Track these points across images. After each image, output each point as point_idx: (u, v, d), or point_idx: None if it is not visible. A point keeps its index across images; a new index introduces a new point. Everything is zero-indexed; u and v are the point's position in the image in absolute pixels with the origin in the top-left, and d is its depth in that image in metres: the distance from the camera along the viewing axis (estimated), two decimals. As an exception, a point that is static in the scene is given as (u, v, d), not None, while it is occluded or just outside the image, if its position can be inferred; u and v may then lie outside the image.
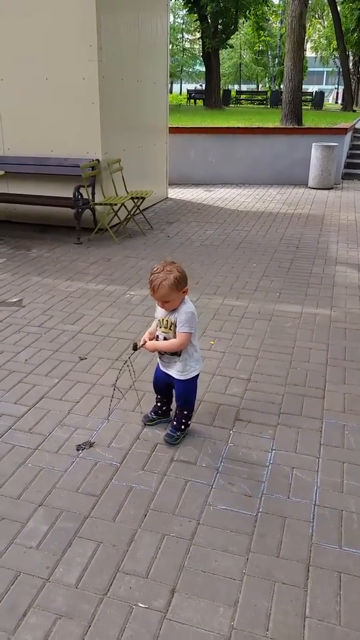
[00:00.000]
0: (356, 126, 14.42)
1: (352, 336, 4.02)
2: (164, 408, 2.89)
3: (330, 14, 29.33)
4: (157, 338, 2.64)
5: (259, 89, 46.61)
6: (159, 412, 2.89)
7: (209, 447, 2.68)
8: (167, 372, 2.69)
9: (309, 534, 2.15)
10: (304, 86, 24.00)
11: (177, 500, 2.32)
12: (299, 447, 2.70)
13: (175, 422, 2.75)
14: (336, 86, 45.41)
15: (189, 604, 1.86)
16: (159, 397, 2.87)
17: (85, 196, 6.47)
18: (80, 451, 2.64)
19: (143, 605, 1.85)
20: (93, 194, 6.61)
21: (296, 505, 2.30)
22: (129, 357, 3.22)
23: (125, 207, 6.93)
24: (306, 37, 41.73)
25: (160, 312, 2.61)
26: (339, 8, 29.49)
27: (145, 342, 2.64)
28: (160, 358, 2.70)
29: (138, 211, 7.14)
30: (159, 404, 2.88)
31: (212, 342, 3.87)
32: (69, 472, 2.49)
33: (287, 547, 2.09)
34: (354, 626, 1.78)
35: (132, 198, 6.92)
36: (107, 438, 2.75)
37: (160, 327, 2.61)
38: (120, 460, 2.58)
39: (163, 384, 2.78)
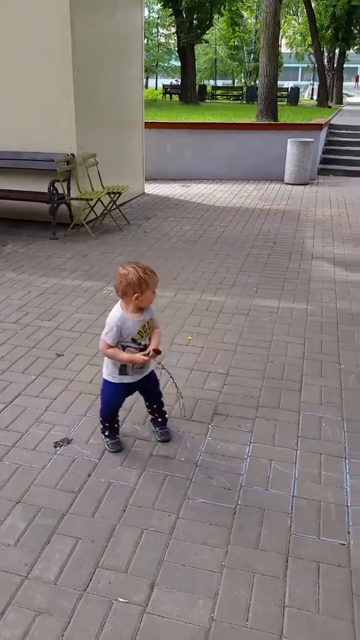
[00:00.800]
0: (331, 122, 14.57)
1: (328, 330, 4.07)
2: (155, 415, 2.74)
3: (304, 10, 29.48)
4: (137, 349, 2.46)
5: (235, 85, 46.64)
6: (158, 420, 2.74)
7: (188, 442, 2.69)
8: (141, 376, 2.55)
9: (287, 525, 2.18)
10: (279, 82, 24.13)
11: (156, 494, 2.32)
12: (276, 440, 2.73)
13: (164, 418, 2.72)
14: (311, 82, 45.71)
15: (168, 597, 1.86)
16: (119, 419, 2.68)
17: (60, 191, 6.40)
18: (58, 448, 2.62)
19: (123, 600, 1.84)
20: (68, 188, 6.55)
21: (275, 497, 2.32)
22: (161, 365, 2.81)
23: (101, 202, 6.88)
24: (281, 33, 41.94)
25: (134, 324, 2.41)
26: (313, 5, 29.67)
27: (152, 349, 2.43)
28: (135, 367, 2.50)
29: (115, 206, 7.10)
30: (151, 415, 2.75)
31: (190, 338, 3.88)
32: (47, 469, 2.47)
33: (266, 538, 2.11)
34: (332, 614, 1.81)
35: (109, 193, 6.88)
36: (85, 434, 2.73)
37: (143, 335, 2.45)
38: (98, 456, 2.57)
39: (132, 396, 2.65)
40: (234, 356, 3.63)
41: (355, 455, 2.61)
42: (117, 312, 2.41)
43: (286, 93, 30.80)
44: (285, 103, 28.91)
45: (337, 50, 36.01)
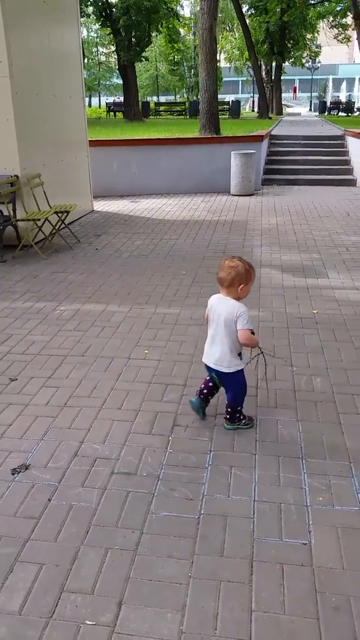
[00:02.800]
0: (272, 133, 15.00)
1: (279, 334, 4.16)
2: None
3: (240, 26, 30.35)
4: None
5: (178, 100, 47.38)
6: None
7: (149, 456, 2.69)
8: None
9: (250, 530, 2.20)
10: (220, 95, 24.67)
11: (119, 512, 2.31)
12: (235, 446, 2.77)
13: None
14: (252, 95, 46.96)
15: (136, 615, 1.85)
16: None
17: (6, 213, 6.32)
18: (16, 475, 2.57)
19: (90, 622, 1.82)
20: (14, 210, 6.47)
21: (236, 503, 2.35)
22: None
23: (49, 221, 6.83)
24: (219, 48, 42.99)
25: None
26: (247, 21, 30.64)
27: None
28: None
29: (63, 225, 7.06)
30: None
31: (147, 352, 3.89)
32: (5, 497, 2.42)
33: (230, 545, 2.13)
34: (297, 613, 1.84)
35: (56, 212, 6.84)
36: (44, 458, 2.69)
37: None
38: (58, 479, 2.53)
39: None
40: (191, 367, 3.66)
41: (311, 454, 2.67)
42: (235, 301, 2.74)
43: (228, 106, 31.52)
44: (227, 116, 29.59)
45: (273, 63, 37.23)
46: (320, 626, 1.79)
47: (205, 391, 2.96)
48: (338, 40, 37.96)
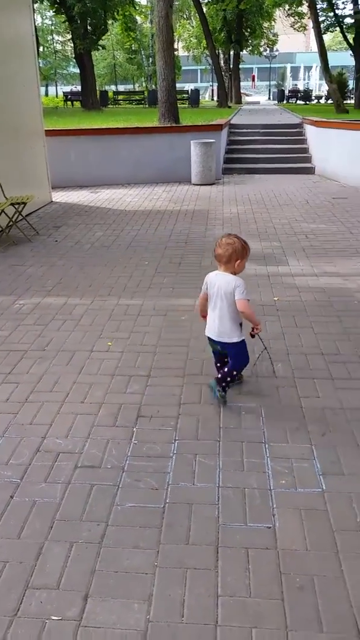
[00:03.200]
0: (232, 122, 15.02)
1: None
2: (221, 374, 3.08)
3: (197, 14, 30.15)
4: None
5: (136, 89, 46.89)
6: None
7: (113, 449, 2.67)
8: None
9: (215, 516, 2.22)
10: (179, 84, 24.55)
11: (83, 506, 2.29)
12: (200, 434, 2.78)
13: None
14: (211, 83, 46.86)
15: (103, 607, 1.84)
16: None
17: None
18: (-23, 473, 2.51)
19: (56, 618, 1.80)
20: (-30, 203, 6.29)
21: (201, 490, 2.36)
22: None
23: (5, 213, 6.67)
24: (176, 37, 42.66)
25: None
26: (204, 9, 30.46)
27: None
28: None
29: (21, 217, 6.91)
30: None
31: (110, 344, 3.85)
32: (-33, 496, 2.36)
33: (195, 532, 2.14)
34: (263, 595, 1.87)
35: (12, 204, 6.68)
36: (5, 455, 2.64)
37: None
38: (20, 476, 2.49)
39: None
40: (154, 357, 3.65)
41: (273, 439, 2.71)
42: (232, 275, 2.91)
43: (187, 95, 31.38)
44: (186, 105, 29.46)
45: (231, 52, 37.20)
46: (285, 606, 1.83)
47: (218, 364, 3.15)
48: (295, 29, 38.21)
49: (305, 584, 1.90)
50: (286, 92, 41.90)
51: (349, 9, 30.12)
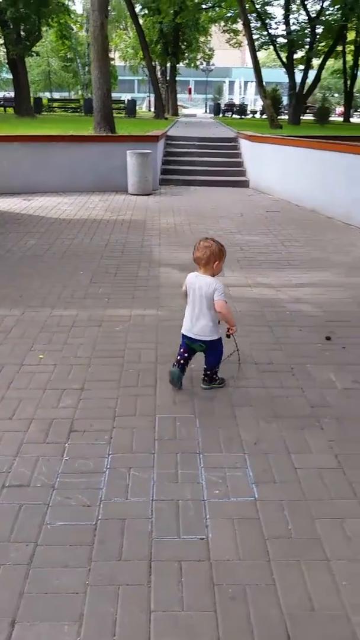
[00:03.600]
0: (168, 133, 15.17)
1: (177, 332, 4.15)
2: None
3: (133, 25, 30.35)
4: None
5: (72, 97, 46.43)
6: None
7: (43, 466, 2.59)
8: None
9: (148, 530, 2.19)
10: (116, 94, 24.53)
11: (11, 526, 2.20)
12: (134, 447, 2.75)
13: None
14: (148, 94, 47.19)
15: (32, 631, 1.77)
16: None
17: None
18: None
19: (-20, 648, 1.71)
20: None
21: (135, 505, 2.33)
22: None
23: None
24: (113, 47, 42.71)
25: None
26: (141, 21, 30.71)
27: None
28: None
29: None
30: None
31: (41, 356, 3.75)
32: None
33: (128, 548, 2.11)
34: (195, 608, 1.86)
35: None
36: None
37: None
38: None
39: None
40: (89, 369, 3.59)
41: (208, 449, 2.73)
42: (211, 277, 3.10)
43: (124, 105, 31.44)
44: (123, 115, 29.49)
45: (168, 64, 37.67)
46: (217, 618, 1.83)
47: (182, 361, 3.29)
48: (230, 45, 39.26)
49: (238, 594, 1.91)
50: (222, 106, 42.87)
51: (281, 29, 31.38)
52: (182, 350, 3.30)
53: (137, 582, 1.96)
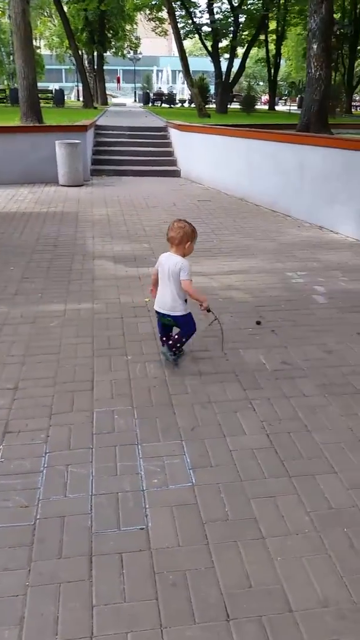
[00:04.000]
0: (98, 123, 14.93)
1: (113, 325, 4.19)
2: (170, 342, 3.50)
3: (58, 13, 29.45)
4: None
5: (-2, 87, 44.63)
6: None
7: (-22, 469, 2.52)
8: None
9: (88, 525, 2.19)
10: (44, 84, 23.80)
11: None
12: (72, 443, 2.72)
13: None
14: (76, 83, 46.11)
15: (-31, 641, 1.73)
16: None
17: None
18: None
19: None
20: None
21: (73, 501, 2.31)
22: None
23: None
24: (38, 35, 41.32)
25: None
26: (65, 8, 29.85)
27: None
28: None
29: None
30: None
31: (-28, 357, 3.63)
32: None
33: (68, 545, 2.09)
34: (137, 598, 1.88)
35: None
36: None
37: None
38: None
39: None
40: (22, 368, 3.50)
41: (145, 439, 2.74)
42: (180, 257, 3.31)
43: (51, 95, 30.58)
44: (51, 105, 28.72)
45: (95, 53, 36.96)
46: (159, 605, 1.85)
47: (164, 338, 3.50)
48: (156, 33, 39.03)
49: (178, 580, 1.95)
50: (151, 95, 42.62)
51: (205, 18, 31.51)
52: (160, 335, 3.57)
53: (79, 578, 1.96)
